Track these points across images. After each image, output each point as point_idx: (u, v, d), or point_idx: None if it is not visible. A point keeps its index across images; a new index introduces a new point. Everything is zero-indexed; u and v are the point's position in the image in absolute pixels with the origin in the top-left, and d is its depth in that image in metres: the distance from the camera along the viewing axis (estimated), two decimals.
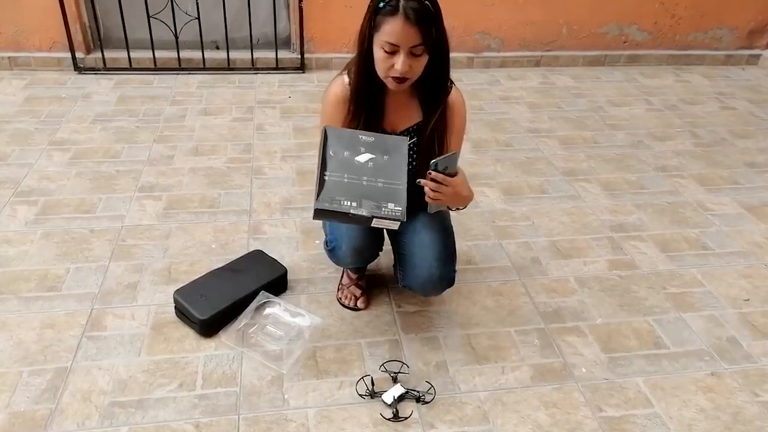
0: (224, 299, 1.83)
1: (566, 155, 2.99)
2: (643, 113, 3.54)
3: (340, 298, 1.95)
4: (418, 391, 1.62)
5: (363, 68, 1.55)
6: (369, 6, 1.49)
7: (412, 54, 1.46)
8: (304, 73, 3.87)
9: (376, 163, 1.44)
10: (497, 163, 2.88)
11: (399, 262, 1.80)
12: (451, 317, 1.92)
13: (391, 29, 1.43)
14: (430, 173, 1.45)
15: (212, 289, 1.86)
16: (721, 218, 2.53)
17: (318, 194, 1.38)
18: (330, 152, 1.44)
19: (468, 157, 2.91)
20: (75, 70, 3.67)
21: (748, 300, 2.07)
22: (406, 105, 1.65)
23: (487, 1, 3.89)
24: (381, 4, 1.44)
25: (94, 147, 2.85)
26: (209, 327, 1.78)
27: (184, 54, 3.72)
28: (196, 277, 1.94)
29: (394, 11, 1.42)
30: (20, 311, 1.86)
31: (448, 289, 1.75)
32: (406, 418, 1.56)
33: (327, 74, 3.83)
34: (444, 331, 1.87)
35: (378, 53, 1.49)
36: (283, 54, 3.88)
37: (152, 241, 2.20)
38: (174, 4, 3.57)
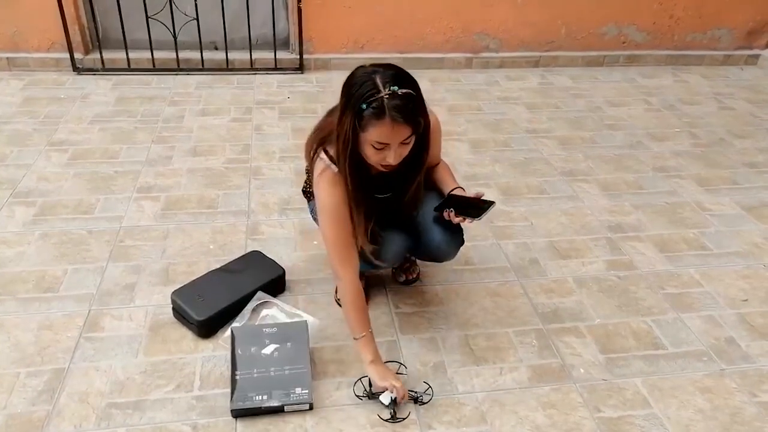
0: (222, 300, 1.82)
1: (565, 156, 2.99)
2: (641, 113, 3.54)
3: (338, 299, 1.95)
4: (416, 392, 1.62)
5: (353, 168, 1.50)
6: (346, 106, 1.42)
7: (402, 144, 1.44)
8: (302, 73, 3.87)
9: (281, 352, 1.65)
10: (496, 164, 2.88)
11: (413, 240, 1.78)
12: (449, 318, 1.92)
13: (380, 132, 1.39)
14: (463, 219, 1.61)
15: (210, 290, 1.86)
16: (719, 218, 2.53)
17: (232, 396, 1.56)
18: (238, 351, 1.65)
19: (467, 158, 2.91)
20: (73, 70, 3.67)
21: (746, 300, 2.06)
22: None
23: (486, 1, 3.89)
24: (363, 105, 1.38)
25: (92, 148, 2.84)
26: (207, 328, 1.78)
27: (183, 54, 3.72)
28: (194, 277, 1.94)
29: (380, 113, 1.37)
30: (18, 312, 1.86)
31: (456, 257, 1.80)
32: (404, 419, 1.56)
33: (326, 75, 3.84)
34: (442, 331, 1.86)
35: (367, 149, 1.46)
36: (282, 54, 3.87)
37: (150, 242, 2.20)
38: (173, 4, 3.57)
